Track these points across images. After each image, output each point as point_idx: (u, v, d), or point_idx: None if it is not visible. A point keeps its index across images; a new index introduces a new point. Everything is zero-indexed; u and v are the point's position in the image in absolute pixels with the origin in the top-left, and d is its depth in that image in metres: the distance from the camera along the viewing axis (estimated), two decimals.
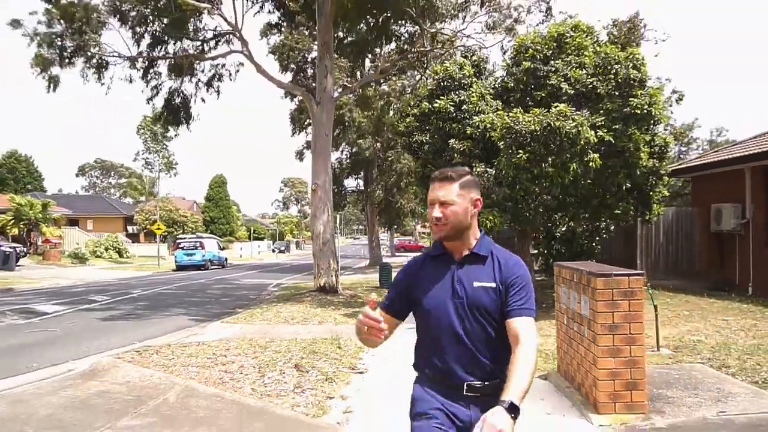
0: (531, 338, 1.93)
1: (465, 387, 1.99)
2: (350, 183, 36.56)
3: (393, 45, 16.28)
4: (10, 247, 29.09)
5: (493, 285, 2.01)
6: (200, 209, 68.02)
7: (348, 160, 34.01)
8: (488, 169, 9.59)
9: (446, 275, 2.06)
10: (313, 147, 15.01)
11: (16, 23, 12.45)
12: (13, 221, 33.86)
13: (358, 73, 20.69)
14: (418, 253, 2.51)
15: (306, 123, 30.73)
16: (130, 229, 55.27)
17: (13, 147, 62.96)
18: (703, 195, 15.01)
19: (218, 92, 17.55)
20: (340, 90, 18.64)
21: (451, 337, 2.01)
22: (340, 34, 17.17)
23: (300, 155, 30.54)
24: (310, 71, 26.12)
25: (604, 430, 4.24)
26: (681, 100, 17.89)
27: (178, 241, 37.74)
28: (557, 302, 5.75)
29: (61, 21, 12.30)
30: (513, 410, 1.76)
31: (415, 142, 11.27)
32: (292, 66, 26.32)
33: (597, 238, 15.14)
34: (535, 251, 16.14)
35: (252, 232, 68.56)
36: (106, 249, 40.98)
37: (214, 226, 62.59)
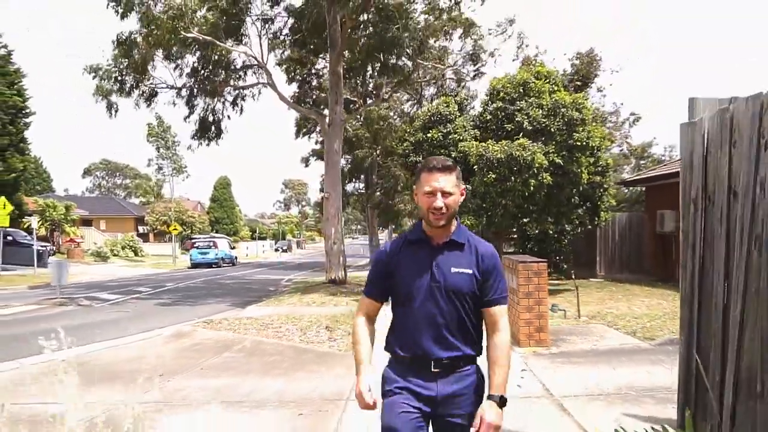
0: (507, 325, 2.17)
1: (432, 364, 2.13)
2: (351, 186, 39.43)
3: (393, 74, 19.07)
4: (42, 246, 31.87)
5: (470, 271, 2.14)
6: (204, 210, 70.62)
7: (349, 166, 36.86)
8: (467, 185, 12.43)
9: (425, 260, 2.17)
10: (326, 161, 17.84)
11: (92, 68, 15.31)
12: (41, 222, 36.61)
13: (360, 87, 23.53)
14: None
15: (311, 128, 33.43)
16: (140, 229, 57.95)
17: None
18: (653, 202, 17.84)
19: (242, 110, 20.54)
20: (344, 105, 21.36)
21: (426, 318, 2.13)
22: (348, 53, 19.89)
23: (306, 162, 33.29)
24: (314, 82, 28.55)
25: (521, 355, 7.07)
26: (637, 121, 20.79)
27: (192, 240, 40.46)
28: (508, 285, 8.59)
29: (123, 61, 15.15)
30: (503, 402, 2.06)
31: (410, 161, 14.11)
32: (298, 78, 29.06)
33: (564, 239, 17.99)
34: (512, 249, 19.00)
35: (257, 232, 71.23)
36: (123, 248, 43.74)
37: (219, 226, 65.33)
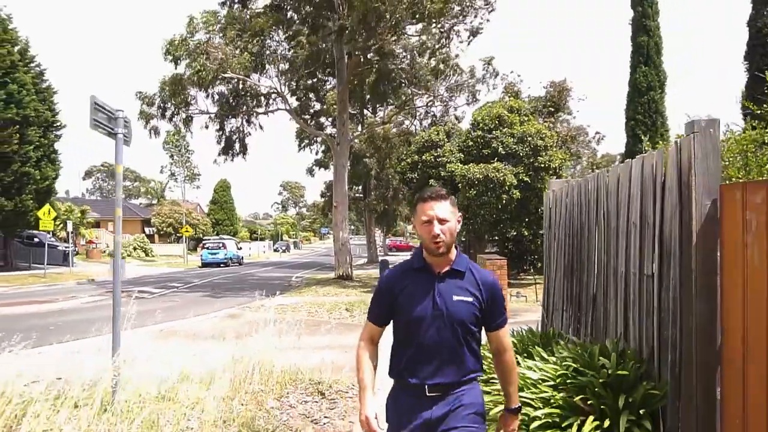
0: (510, 344, 2.38)
1: (427, 388, 2.20)
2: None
3: (392, 100, 22.23)
4: (66, 247, 34.77)
5: (471, 299, 2.21)
6: (203, 211, 73.29)
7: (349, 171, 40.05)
8: None
9: (427, 288, 2.22)
10: (335, 175, 20.91)
11: (141, 94, 18.36)
12: (61, 225, 39.44)
13: (365, 111, 26.69)
14: (402, 259, 2.64)
15: (312, 140, 36.39)
16: (147, 230, 60.70)
17: None
18: None
19: (260, 126, 23.68)
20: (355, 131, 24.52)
21: (428, 345, 2.20)
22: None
23: (311, 172, 36.35)
24: (313, 95, 31.20)
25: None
26: (602, 140, 24.08)
27: (204, 241, 43.37)
28: None
29: (168, 91, 18.23)
30: (519, 411, 2.37)
31: (407, 177, 17.22)
32: (297, 90, 31.97)
33: (538, 241, 21.14)
34: (495, 250, 22.16)
35: (258, 233, 73.98)
36: (135, 249, 46.61)
37: (220, 228, 68.07)
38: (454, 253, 2.28)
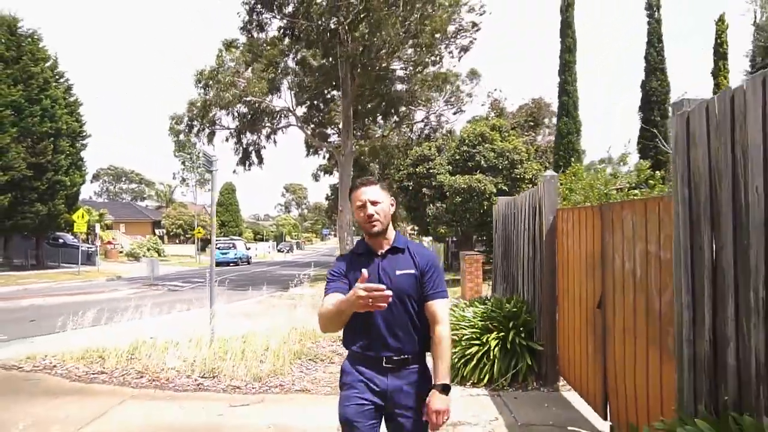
0: (446, 316, 2.40)
1: (384, 360, 2.37)
2: None
3: (392, 116, 24.98)
4: (88, 248, 37.47)
5: (413, 271, 2.41)
6: (208, 213, 75.95)
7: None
8: (442, 205, 18.27)
9: (372, 267, 2.39)
10: (340, 183, 23.63)
11: (176, 116, 21.20)
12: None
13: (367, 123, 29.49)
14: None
15: (318, 148, 39.07)
16: (157, 232, 63.42)
17: None
18: None
19: (275, 142, 26.50)
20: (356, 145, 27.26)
21: (377, 319, 2.36)
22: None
23: (316, 177, 39.04)
24: (322, 106, 33.64)
25: (465, 303, 12.85)
26: (584, 153, 26.96)
27: (215, 242, 46.06)
28: (461, 269, 14.39)
29: (194, 111, 21.00)
30: (446, 389, 2.27)
31: (404, 186, 19.94)
32: (306, 101, 34.61)
33: None
34: (484, 249, 24.90)
35: (262, 234, 76.47)
36: (148, 249, 49.27)
37: (226, 229, 70.77)
38: (393, 234, 2.51)
